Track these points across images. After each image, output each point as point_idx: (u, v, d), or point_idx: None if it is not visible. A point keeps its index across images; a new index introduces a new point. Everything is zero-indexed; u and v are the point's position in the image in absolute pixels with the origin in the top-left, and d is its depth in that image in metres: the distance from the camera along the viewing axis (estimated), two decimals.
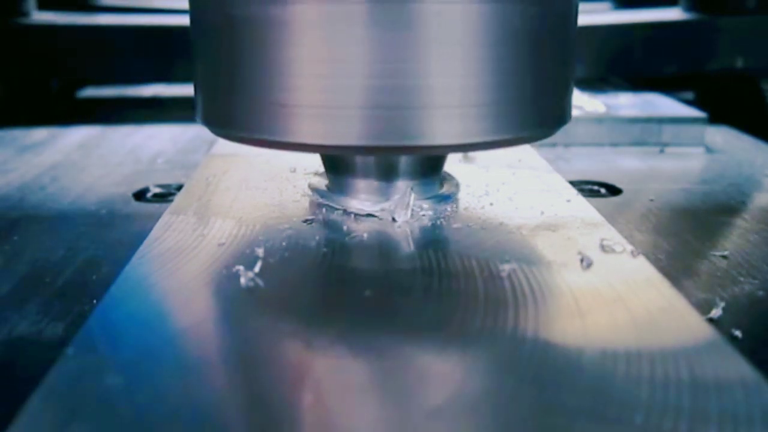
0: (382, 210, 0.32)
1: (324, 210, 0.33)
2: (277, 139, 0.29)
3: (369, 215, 0.32)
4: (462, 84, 0.28)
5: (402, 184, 0.33)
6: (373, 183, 0.33)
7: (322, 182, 0.35)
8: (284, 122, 0.28)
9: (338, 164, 0.33)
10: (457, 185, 0.35)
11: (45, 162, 0.54)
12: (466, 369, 0.20)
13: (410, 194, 0.32)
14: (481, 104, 0.28)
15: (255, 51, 0.28)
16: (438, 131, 0.28)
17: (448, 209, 0.33)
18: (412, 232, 0.31)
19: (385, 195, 0.32)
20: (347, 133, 0.28)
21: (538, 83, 0.30)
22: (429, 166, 0.33)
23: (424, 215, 0.32)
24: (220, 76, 0.30)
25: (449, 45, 0.27)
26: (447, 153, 0.34)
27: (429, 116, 0.28)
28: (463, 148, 0.30)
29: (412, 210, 0.32)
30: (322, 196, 0.34)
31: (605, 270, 0.27)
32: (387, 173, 0.32)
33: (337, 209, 0.33)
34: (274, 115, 0.29)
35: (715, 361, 0.20)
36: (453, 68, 0.27)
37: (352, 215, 0.32)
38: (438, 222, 0.32)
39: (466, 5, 0.27)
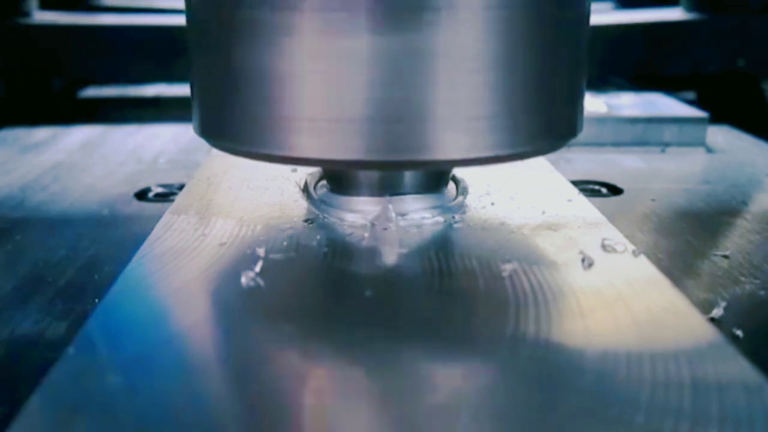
0: (364, 225, 0.31)
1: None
2: (278, 153, 0.28)
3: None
4: (469, 97, 0.27)
5: (406, 197, 0.32)
6: (374, 194, 0.32)
7: (319, 190, 0.34)
8: (285, 135, 0.28)
9: (337, 174, 0.33)
10: (465, 190, 0.34)
11: (47, 162, 0.54)
12: (467, 368, 0.20)
13: (390, 209, 0.31)
14: (491, 118, 0.27)
15: (253, 61, 0.27)
16: (444, 146, 0.27)
17: (455, 217, 0.32)
18: (413, 232, 0.31)
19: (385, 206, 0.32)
20: (350, 148, 0.27)
21: (548, 95, 0.29)
22: (433, 178, 0.32)
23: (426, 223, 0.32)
24: (217, 87, 0.29)
25: (455, 56, 0.26)
26: (452, 167, 0.34)
27: (434, 130, 0.27)
28: (471, 162, 0.29)
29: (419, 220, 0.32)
30: (319, 204, 0.33)
31: (607, 269, 0.27)
32: (389, 185, 0.32)
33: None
34: (274, 128, 0.28)
35: (716, 361, 0.20)
36: (459, 81, 0.26)
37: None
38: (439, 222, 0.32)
39: (473, 15, 0.26)
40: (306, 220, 0.32)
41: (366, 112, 0.26)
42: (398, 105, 0.26)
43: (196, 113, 0.31)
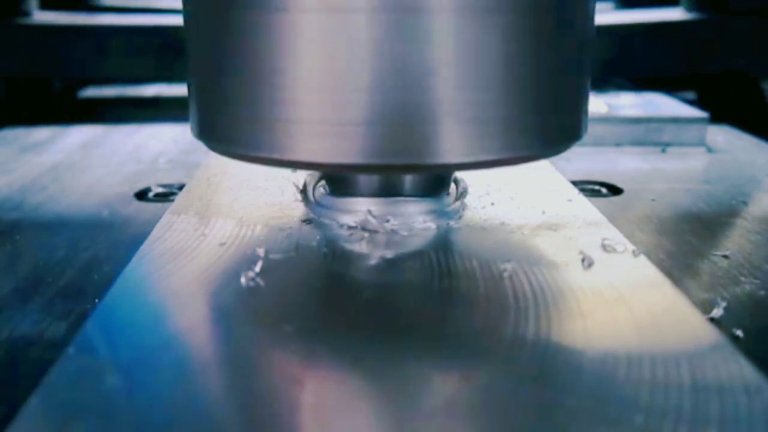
0: (355, 226, 0.31)
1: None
2: (275, 156, 0.27)
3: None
4: (473, 99, 0.26)
5: (402, 200, 0.31)
6: (372, 196, 0.32)
7: (317, 190, 0.34)
8: (282, 138, 0.27)
9: (335, 176, 0.33)
10: (464, 191, 0.34)
11: (47, 162, 0.54)
12: (467, 369, 0.20)
13: (370, 216, 0.31)
14: (493, 121, 0.27)
15: (251, 63, 0.27)
16: (445, 149, 0.26)
17: (450, 223, 0.32)
18: (412, 232, 0.31)
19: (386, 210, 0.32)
20: (349, 151, 0.26)
21: (552, 97, 0.28)
22: (432, 181, 0.32)
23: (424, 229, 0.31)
24: (214, 88, 0.29)
25: (457, 59, 0.26)
26: (455, 171, 0.33)
27: (435, 134, 0.26)
28: (472, 166, 0.28)
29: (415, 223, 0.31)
30: (316, 206, 0.33)
31: (607, 270, 0.27)
32: (387, 188, 0.31)
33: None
34: (272, 130, 0.27)
35: (716, 362, 0.20)
36: (461, 84, 0.26)
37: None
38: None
39: (475, 18, 0.26)
40: (306, 221, 0.32)
41: (366, 114, 0.26)
42: (399, 108, 0.26)
43: (193, 115, 0.31)
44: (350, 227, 0.31)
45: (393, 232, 0.30)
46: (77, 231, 0.39)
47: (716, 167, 0.52)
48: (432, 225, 0.31)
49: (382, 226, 0.30)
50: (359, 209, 0.31)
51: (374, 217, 0.31)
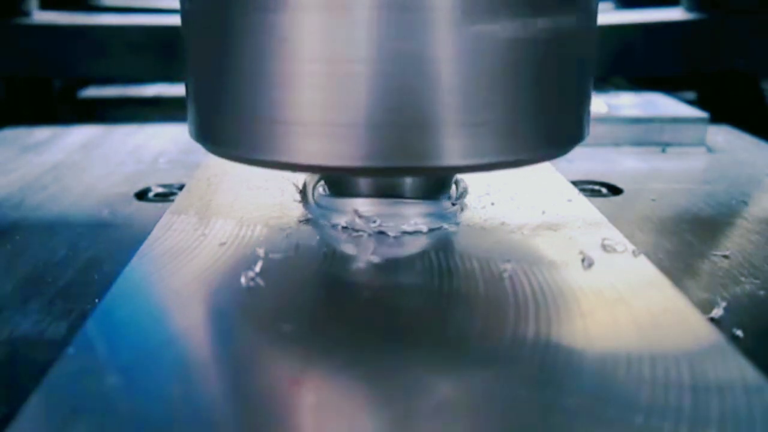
0: (361, 227, 0.31)
1: None
2: (273, 158, 0.27)
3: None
4: (474, 102, 0.26)
5: (401, 203, 0.31)
6: (371, 197, 0.31)
7: (315, 194, 0.34)
8: (280, 140, 0.27)
9: (335, 177, 0.32)
10: (464, 191, 0.34)
11: (47, 162, 0.54)
12: (466, 369, 0.20)
13: (358, 219, 0.30)
14: (494, 123, 0.26)
15: (249, 64, 0.26)
16: (445, 152, 0.26)
17: (446, 225, 0.31)
18: (403, 233, 0.30)
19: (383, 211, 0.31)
20: (348, 154, 0.26)
21: (554, 99, 0.28)
22: (431, 183, 0.32)
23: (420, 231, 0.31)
24: (211, 89, 0.28)
25: (457, 61, 0.25)
26: (454, 174, 0.33)
27: (435, 136, 0.26)
28: (473, 169, 0.28)
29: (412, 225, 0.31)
30: (315, 208, 0.33)
31: (606, 269, 0.27)
32: (386, 190, 0.31)
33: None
34: (270, 132, 0.27)
35: (716, 362, 0.20)
36: (464, 85, 0.26)
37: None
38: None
39: (477, 19, 0.25)
40: (305, 221, 0.32)
41: (365, 117, 0.26)
42: (399, 110, 0.26)
43: (191, 116, 0.30)
44: (344, 228, 0.31)
45: (393, 233, 0.30)
46: (77, 231, 0.39)
47: (716, 167, 0.52)
48: (423, 227, 0.31)
49: (369, 227, 0.30)
50: (360, 209, 0.31)
51: (361, 217, 0.31)
